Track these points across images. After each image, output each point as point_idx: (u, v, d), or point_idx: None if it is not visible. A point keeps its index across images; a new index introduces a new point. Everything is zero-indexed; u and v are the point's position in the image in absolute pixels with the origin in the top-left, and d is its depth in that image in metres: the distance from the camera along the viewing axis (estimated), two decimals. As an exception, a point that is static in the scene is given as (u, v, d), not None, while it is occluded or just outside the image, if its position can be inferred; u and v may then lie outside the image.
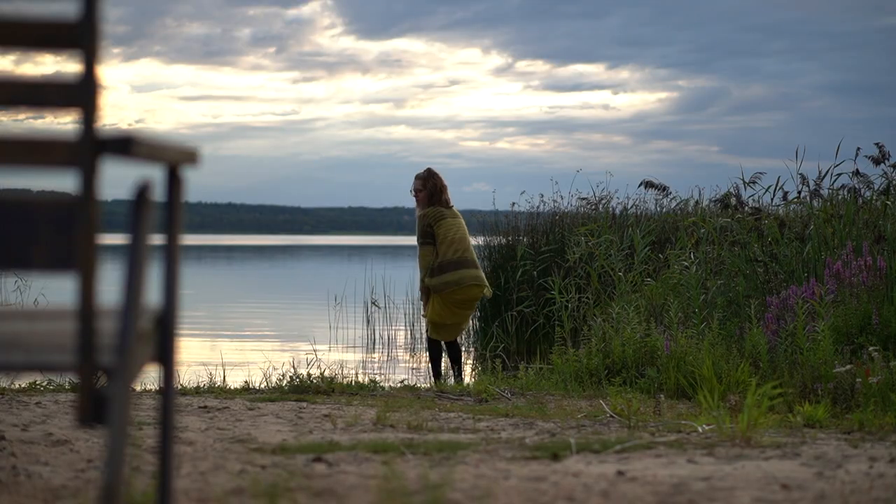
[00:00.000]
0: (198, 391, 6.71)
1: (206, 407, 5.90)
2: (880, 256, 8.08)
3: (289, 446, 4.21)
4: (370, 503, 3.06)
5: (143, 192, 1.97)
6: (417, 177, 9.39)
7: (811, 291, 7.67)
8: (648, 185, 11.54)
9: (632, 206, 13.33)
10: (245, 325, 16.02)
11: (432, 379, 9.00)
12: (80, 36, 1.83)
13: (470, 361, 11.62)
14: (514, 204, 13.78)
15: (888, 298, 7.70)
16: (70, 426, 4.75)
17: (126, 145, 1.84)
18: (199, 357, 10.57)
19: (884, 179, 9.37)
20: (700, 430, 4.77)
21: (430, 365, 9.24)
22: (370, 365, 11.11)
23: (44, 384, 6.69)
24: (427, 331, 9.26)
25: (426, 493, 2.86)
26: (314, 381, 7.00)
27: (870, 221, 8.93)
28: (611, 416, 5.60)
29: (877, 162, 9.21)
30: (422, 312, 9.58)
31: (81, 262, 1.85)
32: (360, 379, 7.54)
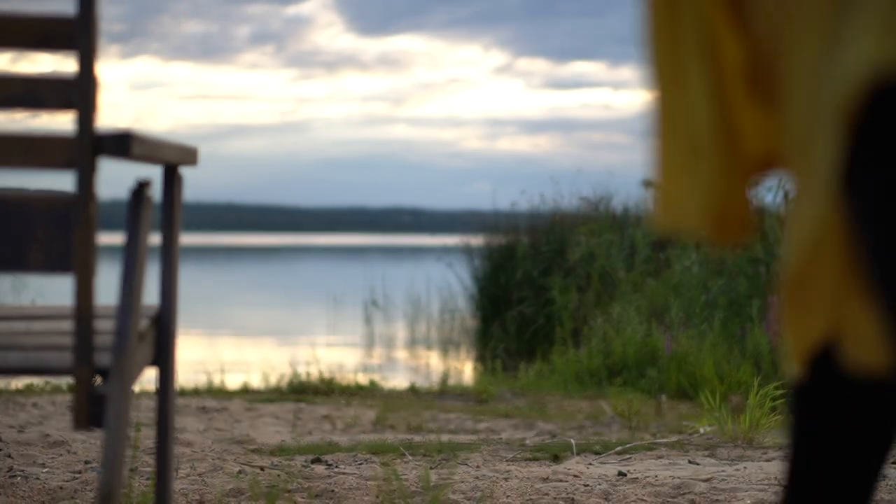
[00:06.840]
0: (196, 392, 6.70)
1: (204, 408, 5.88)
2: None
3: (288, 447, 4.20)
4: (370, 505, 3.04)
5: (141, 191, 1.95)
6: None
7: (812, 292, 7.65)
8: (650, 184, 11.52)
9: (633, 206, 13.30)
10: (244, 325, 15.99)
11: None
12: (77, 34, 1.81)
13: (470, 362, 11.60)
14: (514, 203, 13.75)
15: (889, 299, 7.68)
16: (67, 427, 4.73)
17: (124, 144, 1.82)
18: (197, 357, 10.55)
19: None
20: (702, 431, 4.75)
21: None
22: (369, 365, 11.09)
23: (41, 385, 6.67)
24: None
25: (426, 495, 2.84)
26: (313, 381, 6.99)
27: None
28: (612, 416, 5.59)
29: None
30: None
31: (79, 262, 1.83)
32: (359, 379, 7.52)
